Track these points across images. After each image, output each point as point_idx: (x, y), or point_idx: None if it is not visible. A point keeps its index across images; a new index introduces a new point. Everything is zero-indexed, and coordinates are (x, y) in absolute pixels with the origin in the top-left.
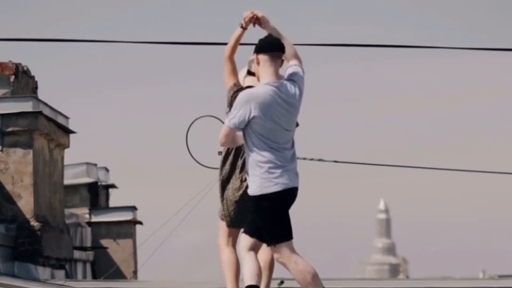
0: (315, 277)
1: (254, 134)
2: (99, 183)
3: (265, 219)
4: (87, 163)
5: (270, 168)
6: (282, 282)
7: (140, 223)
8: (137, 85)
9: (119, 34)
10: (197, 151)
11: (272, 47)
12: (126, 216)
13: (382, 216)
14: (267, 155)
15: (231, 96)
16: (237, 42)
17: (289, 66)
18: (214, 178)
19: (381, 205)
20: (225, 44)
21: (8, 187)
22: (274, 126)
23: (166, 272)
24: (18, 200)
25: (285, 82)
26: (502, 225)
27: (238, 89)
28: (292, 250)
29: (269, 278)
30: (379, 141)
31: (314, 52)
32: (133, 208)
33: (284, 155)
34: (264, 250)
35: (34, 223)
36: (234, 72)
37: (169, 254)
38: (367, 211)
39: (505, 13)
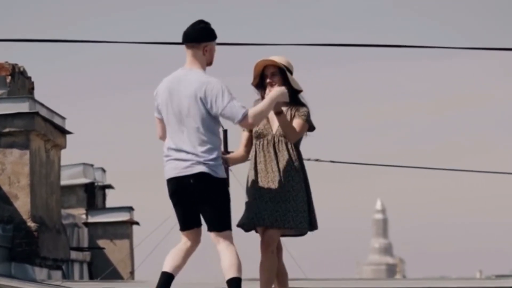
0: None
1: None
2: (95, 184)
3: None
4: (84, 164)
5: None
6: None
7: (137, 223)
8: (134, 86)
9: (118, 35)
10: None
11: (183, 38)
12: (123, 217)
13: (379, 216)
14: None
15: None
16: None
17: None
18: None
19: (378, 205)
20: (227, 44)
21: (5, 188)
22: (169, 112)
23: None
24: (15, 201)
25: (190, 70)
26: (499, 226)
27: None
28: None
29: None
30: (376, 142)
31: (310, 54)
32: (130, 209)
33: (177, 143)
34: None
35: (31, 224)
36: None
37: (166, 255)
38: (364, 212)
39: (504, 15)
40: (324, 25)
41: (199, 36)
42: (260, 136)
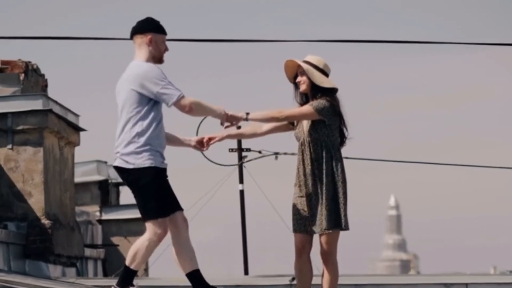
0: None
1: None
2: (109, 181)
3: None
4: (98, 161)
5: None
6: (293, 279)
7: None
8: None
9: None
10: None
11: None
12: (136, 214)
13: (393, 212)
14: None
15: None
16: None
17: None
18: (224, 175)
19: (392, 201)
20: (238, 41)
21: (19, 185)
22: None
23: (177, 269)
24: (29, 198)
25: (136, 61)
26: None
27: None
28: None
29: None
30: (390, 138)
31: (320, 49)
32: None
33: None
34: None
35: (45, 221)
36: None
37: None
38: (378, 208)
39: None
40: (337, 20)
41: (144, 27)
42: (297, 139)
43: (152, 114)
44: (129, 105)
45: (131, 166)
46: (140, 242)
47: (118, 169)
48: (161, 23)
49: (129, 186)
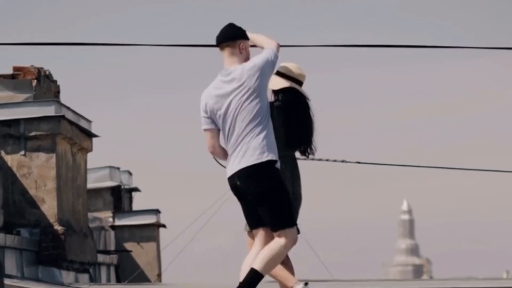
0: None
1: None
2: (122, 187)
3: None
4: (110, 167)
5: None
6: (306, 284)
7: (164, 226)
8: (160, 89)
9: (144, 38)
10: None
11: (217, 40)
12: (149, 220)
13: (405, 217)
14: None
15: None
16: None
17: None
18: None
19: (404, 206)
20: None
21: (32, 192)
22: (223, 113)
23: (190, 275)
24: (42, 205)
25: (234, 67)
26: None
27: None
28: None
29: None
30: (402, 143)
31: (335, 55)
32: (156, 211)
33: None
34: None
35: (58, 227)
36: None
37: (193, 257)
38: (390, 212)
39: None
40: (351, 25)
41: (233, 34)
42: None
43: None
44: (250, 108)
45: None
46: (277, 248)
47: (246, 169)
48: (175, 28)
49: (258, 189)
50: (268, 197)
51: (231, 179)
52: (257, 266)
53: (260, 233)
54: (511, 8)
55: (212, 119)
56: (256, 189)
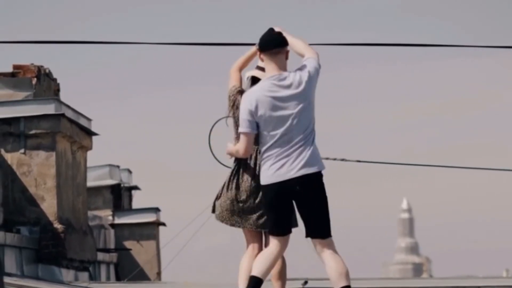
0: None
1: (262, 130)
2: (122, 185)
3: None
4: (110, 165)
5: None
6: (306, 282)
7: (164, 224)
8: (161, 88)
9: (144, 37)
10: (220, 151)
11: (269, 45)
12: (149, 218)
13: (405, 215)
14: (271, 148)
15: (230, 98)
16: (249, 60)
17: (303, 60)
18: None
19: (404, 205)
20: (251, 44)
21: (31, 190)
22: (277, 117)
23: (189, 273)
24: (41, 203)
25: (287, 72)
26: None
27: (238, 91)
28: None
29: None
30: (402, 142)
31: (336, 54)
32: (156, 210)
33: (289, 145)
34: (252, 259)
35: (58, 226)
36: (239, 80)
37: (193, 256)
38: (390, 211)
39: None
40: (351, 25)
41: (284, 41)
42: None
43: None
44: (308, 115)
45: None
46: (278, 255)
47: (310, 176)
48: (174, 27)
49: (317, 196)
50: (324, 206)
51: (287, 183)
52: (259, 274)
53: (284, 239)
54: (511, 7)
55: (257, 123)
56: (317, 196)
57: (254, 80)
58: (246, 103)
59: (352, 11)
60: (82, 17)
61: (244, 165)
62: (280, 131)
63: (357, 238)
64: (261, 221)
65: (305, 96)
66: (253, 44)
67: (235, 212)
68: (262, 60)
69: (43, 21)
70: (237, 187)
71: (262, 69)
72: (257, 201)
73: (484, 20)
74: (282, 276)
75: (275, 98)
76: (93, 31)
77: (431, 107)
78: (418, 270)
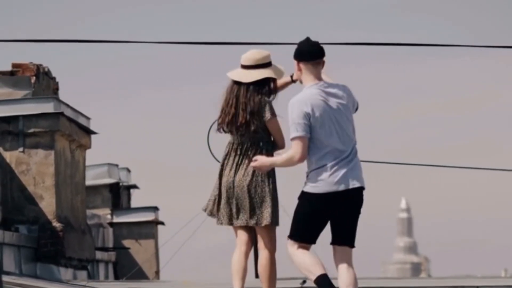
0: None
1: (314, 136)
2: (120, 184)
3: None
4: (109, 164)
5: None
6: (304, 282)
7: (162, 223)
8: (160, 87)
9: (144, 37)
10: (218, 150)
11: (311, 56)
12: (148, 217)
13: (404, 215)
14: (322, 155)
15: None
16: (280, 89)
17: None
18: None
19: (403, 204)
20: (251, 44)
21: (30, 188)
22: (330, 123)
23: (188, 272)
24: (40, 201)
25: (328, 82)
26: None
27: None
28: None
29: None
30: (400, 141)
31: (334, 53)
32: (155, 209)
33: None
34: (244, 257)
35: (56, 224)
36: None
37: (192, 255)
38: (389, 210)
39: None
40: (350, 24)
41: (323, 52)
42: None
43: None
44: (352, 128)
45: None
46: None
47: (359, 189)
48: (174, 27)
49: (358, 209)
50: (358, 217)
51: (337, 195)
52: (322, 270)
53: (308, 248)
54: (511, 7)
55: (310, 127)
56: (356, 209)
57: (263, 81)
58: (302, 106)
59: (350, 10)
60: (82, 17)
61: (227, 163)
62: (333, 140)
63: (356, 237)
64: (254, 217)
65: (350, 110)
66: (253, 44)
67: (223, 209)
68: (300, 70)
69: (43, 21)
70: (221, 184)
71: (247, 67)
72: (243, 197)
73: (484, 20)
74: (246, 272)
75: (326, 104)
76: (93, 31)
77: (430, 107)
78: (416, 269)
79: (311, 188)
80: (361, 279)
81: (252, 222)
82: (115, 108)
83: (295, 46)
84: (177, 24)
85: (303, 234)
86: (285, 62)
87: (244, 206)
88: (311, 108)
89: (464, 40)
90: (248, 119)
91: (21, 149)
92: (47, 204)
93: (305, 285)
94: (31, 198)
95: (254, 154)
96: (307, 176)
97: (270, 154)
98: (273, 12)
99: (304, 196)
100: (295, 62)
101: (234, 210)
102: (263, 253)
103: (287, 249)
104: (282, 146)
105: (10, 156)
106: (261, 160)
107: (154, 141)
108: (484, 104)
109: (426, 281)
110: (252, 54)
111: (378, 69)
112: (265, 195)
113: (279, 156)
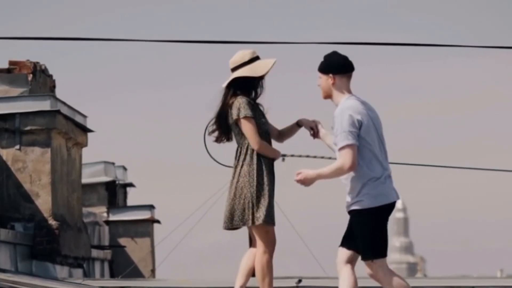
0: None
1: (363, 145)
2: (117, 182)
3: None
4: (105, 162)
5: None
6: (300, 281)
7: (158, 222)
8: (156, 85)
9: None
10: (215, 150)
11: (348, 69)
12: (144, 215)
13: (400, 215)
14: (373, 166)
15: None
16: (286, 137)
17: None
18: (230, 176)
19: (399, 204)
20: (247, 42)
21: (26, 186)
22: (375, 133)
23: (184, 271)
24: (36, 199)
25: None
26: None
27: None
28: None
29: (247, 281)
30: (396, 141)
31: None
32: (151, 207)
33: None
34: (252, 256)
35: (52, 222)
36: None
37: (188, 253)
38: None
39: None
40: (350, 23)
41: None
42: (269, 133)
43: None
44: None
45: None
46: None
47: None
48: (174, 27)
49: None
50: None
51: (392, 206)
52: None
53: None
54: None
55: (359, 136)
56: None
57: (239, 81)
58: (353, 114)
59: (351, 10)
60: (81, 16)
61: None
62: (377, 151)
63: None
64: (243, 219)
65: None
66: (251, 42)
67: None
68: (334, 84)
69: (43, 21)
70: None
71: (231, 71)
72: (231, 199)
73: (485, 19)
74: (251, 272)
75: (369, 115)
76: (92, 30)
77: (429, 106)
78: (412, 269)
79: (374, 201)
80: (357, 278)
81: (241, 224)
82: (111, 106)
83: (292, 46)
84: (177, 24)
85: (386, 248)
86: (286, 62)
87: (237, 207)
88: (361, 117)
89: (464, 40)
90: (216, 121)
91: (17, 146)
92: (43, 202)
93: (300, 284)
94: (27, 196)
95: (242, 156)
96: (359, 191)
97: (259, 156)
98: (272, 12)
99: (370, 212)
100: (324, 75)
101: (229, 213)
102: (256, 252)
103: (377, 272)
104: (254, 148)
105: (7, 154)
106: (305, 173)
107: (151, 140)
108: (484, 104)
109: (422, 281)
110: (232, 57)
111: (377, 68)
112: (249, 196)
113: (326, 167)
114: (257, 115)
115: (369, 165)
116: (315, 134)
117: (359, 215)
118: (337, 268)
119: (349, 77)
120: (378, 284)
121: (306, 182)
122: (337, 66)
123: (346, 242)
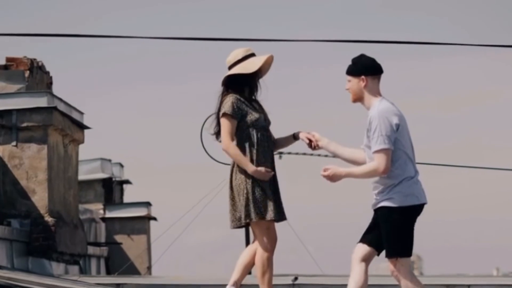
0: None
1: (397, 147)
2: (113, 179)
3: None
4: (102, 159)
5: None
6: (296, 279)
7: (155, 219)
8: (154, 83)
9: (137, 31)
10: (211, 147)
11: (380, 70)
12: (140, 212)
13: None
14: (407, 166)
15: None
16: (281, 147)
17: None
18: (228, 174)
19: None
20: (247, 40)
21: (23, 183)
22: (408, 137)
23: (180, 268)
24: (32, 196)
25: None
26: None
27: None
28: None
29: (243, 277)
30: None
31: (331, 51)
32: (147, 204)
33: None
34: (251, 253)
35: (48, 219)
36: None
37: (184, 250)
38: None
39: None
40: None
41: None
42: (259, 125)
43: None
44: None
45: None
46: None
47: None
48: (174, 27)
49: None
50: None
51: (423, 207)
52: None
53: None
54: (509, 6)
55: (396, 138)
56: None
57: (234, 79)
58: (391, 117)
59: (348, 9)
60: (82, 16)
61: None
62: (410, 152)
63: (348, 234)
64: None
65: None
66: (248, 40)
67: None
68: (366, 86)
69: (44, 20)
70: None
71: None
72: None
73: (482, 18)
74: (248, 269)
75: (403, 117)
76: (93, 31)
77: (428, 106)
78: None
79: (404, 201)
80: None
81: (247, 220)
82: (108, 103)
83: (289, 43)
84: (177, 24)
85: (411, 248)
86: (285, 61)
87: (238, 205)
88: (397, 119)
89: (461, 39)
90: (214, 119)
91: (14, 143)
92: (40, 199)
93: (296, 282)
94: (23, 192)
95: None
96: (391, 188)
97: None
98: (272, 12)
99: (399, 211)
100: (355, 77)
101: (232, 211)
102: (257, 249)
103: (400, 271)
104: (223, 146)
105: (3, 150)
106: (334, 169)
107: (148, 137)
108: (483, 102)
109: (418, 279)
110: (228, 56)
111: None
112: (247, 192)
113: (359, 167)
114: (248, 112)
115: (404, 166)
116: (312, 145)
117: (388, 212)
118: (351, 263)
119: (379, 79)
120: (378, 284)
121: (334, 178)
122: (368, 68)
123: (367, 238)
